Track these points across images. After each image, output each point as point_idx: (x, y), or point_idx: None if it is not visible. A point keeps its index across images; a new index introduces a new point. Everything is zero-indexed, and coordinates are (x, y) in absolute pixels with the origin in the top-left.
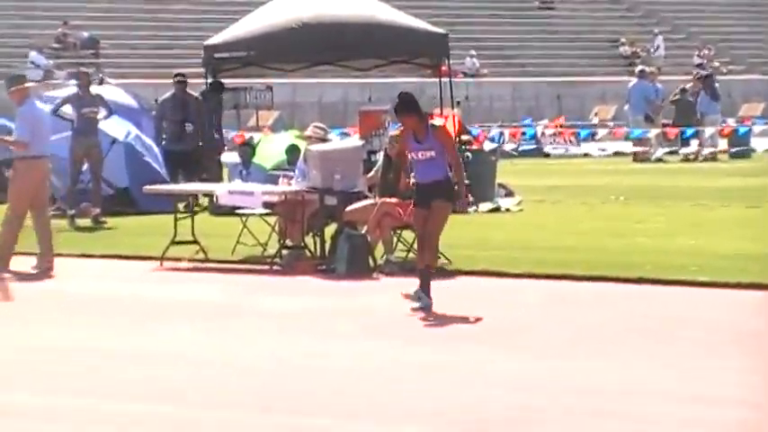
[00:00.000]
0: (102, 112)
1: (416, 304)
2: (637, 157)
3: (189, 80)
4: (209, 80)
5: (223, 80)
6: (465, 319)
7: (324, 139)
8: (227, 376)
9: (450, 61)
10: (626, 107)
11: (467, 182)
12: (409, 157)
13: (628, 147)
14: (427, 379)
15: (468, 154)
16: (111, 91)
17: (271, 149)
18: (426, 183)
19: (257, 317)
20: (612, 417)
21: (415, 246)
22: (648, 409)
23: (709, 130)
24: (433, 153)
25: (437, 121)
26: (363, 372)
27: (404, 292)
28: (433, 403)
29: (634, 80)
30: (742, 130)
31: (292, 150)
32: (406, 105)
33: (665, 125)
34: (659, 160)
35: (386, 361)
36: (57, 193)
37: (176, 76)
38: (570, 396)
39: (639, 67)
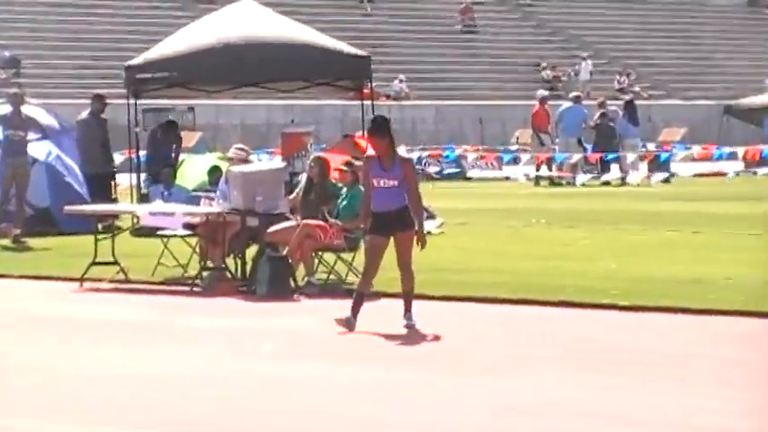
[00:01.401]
0: (33, 135)
1: (340, 315)
2: (554, 181)
3: (110, 101)
4: (166, 119)
5: (144, 100)
6: (389, 342)
7: (246, 161)
8: (144, 394)
9: (374, 84)
10: (550, 129)
11: None
12: (372, 184)
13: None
14: (347, 398)
15: None
16: (32, 111)
17: (193, 170)
18: (385, 212)
19: (177, 337)
20: None
21: (336, 268)
22: (578, 426)
23: (630, 156)
24: (395, 183)
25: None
26: (283, 391)
27: (336, 317)
28: (356, 425)
29: (567, 104)
30: (664, 155)
31: (214, 171)
32: (380, 128)
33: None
34: (582, 185)
35: (306, 381)
36: None
37: (98, 96)
38: (497, 416)
39: (574, 93)
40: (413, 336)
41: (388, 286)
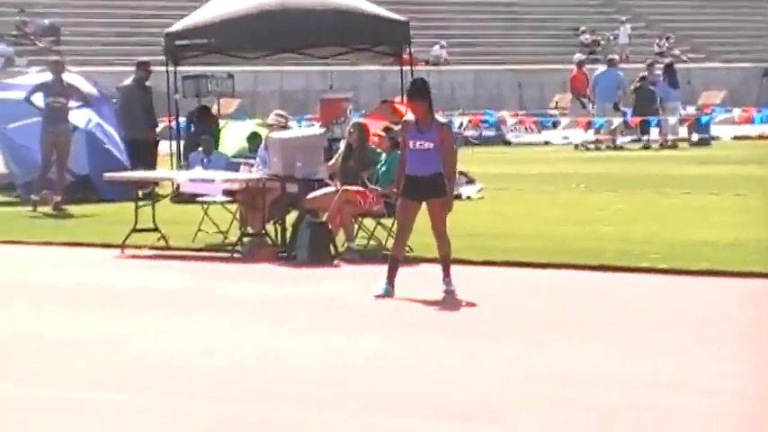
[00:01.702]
0: (74, 102)
1: (379, 291)
2: (597, 145)
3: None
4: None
5: (183, 67)
6: (428, 308)
7: (285, 127)
8: (188, 362)
9: (414, 49)
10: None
11: None
12: (408, 145)
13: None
14: (388, 365)
15: None
16: (71, 78)
17: (232, 137)
18: (419, 176)
19: (218, 304)
20: (572, 404)
21: (376, 233)
22: (609, 395)
23: (671, 119)
24: (431, 145)
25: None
26: (324, 358)
27: (375, 293)
28: (391, 390)
29: (602, 68)
30: (704, 118)
31: (253, 138)
32: (419, 90)
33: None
34: (621, 148)
35: (346, 347)
36: (16, 180)
37: (142, 63)
38: (533, 384)
39: (609, 56)
40: (451, 301)
41: (426, 251)
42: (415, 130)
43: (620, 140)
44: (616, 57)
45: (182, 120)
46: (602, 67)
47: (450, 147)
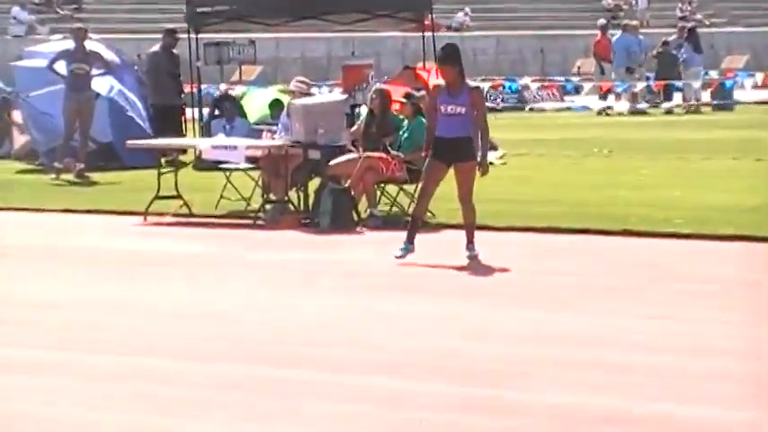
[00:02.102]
0: (97, 70)
1: (399, 252)
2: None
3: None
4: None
5: (205, 34)
6: (451, 274)
7: (307, 94)
8: (210, 328)
9: (435, 15)
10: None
11: None
12: (439, 110)
13: (611, 101)
14: (412, 330)
15: None
16: (93, 46)
17: (254, 104)
18: (449, 138)
19: (242, 270)
20: (600, 366)
21: (399, 200)
22: (635, 358)
23: (694, 83)
24: (462, 110)
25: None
26: (348, 323)
27: (395, 254)
28: (418, 356)
29: (618, 33)
30: (728, 83)
31: (275, 105)
32: (450, 56)
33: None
34: (643, 113)
35: (368, 311)
36: (39, 147)
37: (170, 31)
38: (557, 347)
39: (624, 21)
40: (475, 267)
41: (450, 218)
42: (446, 94)
43: (641, 105)
44: (632, 22)
45: (204, 87)
46: (618, 33)
47: (484, 110)
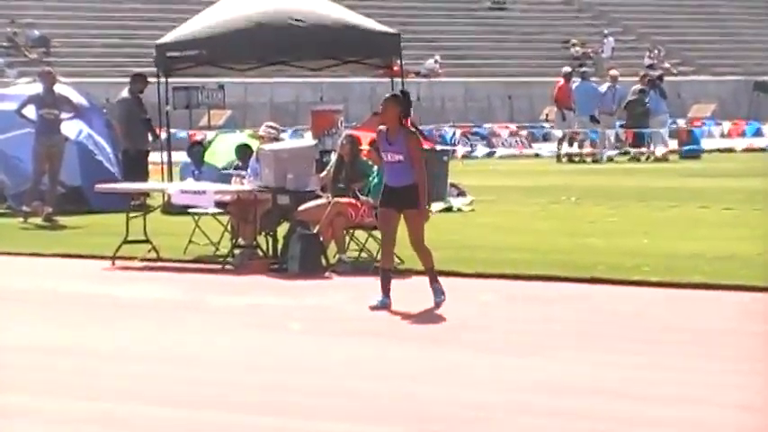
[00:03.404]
0: (66, 114)
1: (375, 302)
2: (576, 159)
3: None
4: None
5: (174, 78)
6: (418, 318)
7: (276, 139)
8: (180, 373)
9: (404, 61)
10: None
11: None
12: (381, 157)
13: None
14: (380, 376)
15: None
16: (62, 89)
17: (223, 149)
18: (395, 187)
19: (210, 315)
20: (563, 414)
21: (368, 245)
22: (601, 406)
23: (661, 131)
24: (400, 157)
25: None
26: (317, 368)
27: (370, 304)
28: (384, 401)
29: (578, 81)
30: (696, 132)
31: (241, 149)
32: (395, 97)
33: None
34: (611, 160)
35: (338, 358)
36: (6, 191)
37: (141, 75)
38: (523, 394)
39: (582, 69)
40: (443, 313)
41: (417, 264)
42: (385, 140)
43: (608, 153)
44: (588, 69)
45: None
46: (578, 80)
47: (417, 156)
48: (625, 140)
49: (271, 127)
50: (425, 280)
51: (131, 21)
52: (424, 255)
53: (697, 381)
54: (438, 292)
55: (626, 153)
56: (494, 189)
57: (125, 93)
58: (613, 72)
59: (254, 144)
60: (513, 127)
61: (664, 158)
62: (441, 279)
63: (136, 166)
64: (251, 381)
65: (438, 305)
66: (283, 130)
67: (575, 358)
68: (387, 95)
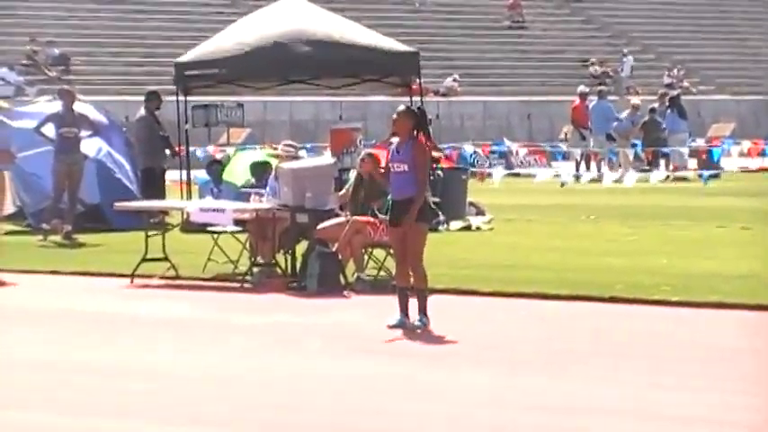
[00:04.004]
0: (85, 132)
1: (392, 321)
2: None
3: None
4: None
5: (193, 97)
6: (437, 338)
7: (295, 157)
8: (200, 391)
9: (423, 80)
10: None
11: (437, 199)
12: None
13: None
14: (398, 395)
15: (440, 172)
16: (82, 108)
17: (241, 167)
18: (399, 200)
19: (228, 333)
20: None
21: (386, 264)
22: (618, 426)
23: (681, 149)
24: (405, 167)
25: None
26: (336, 388)
27: (388, 323)
28: (404, 419)
29: (595, 100)
30: (716, 151)
31: (256, 167)
32: (410, 110)
33: (634, 145)
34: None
35: (358, 377)
36: (26, 209)
37: (156, 94)
38: (542, 414)
39: (599, 88)
40: (461, 332)
41: (436, 281)
42: (395, 151)
43: (629, 175)
44: (604, 88)
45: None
46: (595, 99)
47: (422, 165)
48: (645, 159)
49: (288, 145)
50: (443, 299)
51: (151, 39)
52: (419, 276)
53: (711, 400)
54: (421, 318)
55: (645, 171)
56: (512, 208)
57: (142, 111)
58: (635, 101)
59: (273, 161)
60: (531, 146)
61: (682, 177)
62: (461, 297)
63: (154, 184)
64: (268, 399)
65: (418, 329)
66: (302, 147)
67: (592, 377)
68: (401, 108)
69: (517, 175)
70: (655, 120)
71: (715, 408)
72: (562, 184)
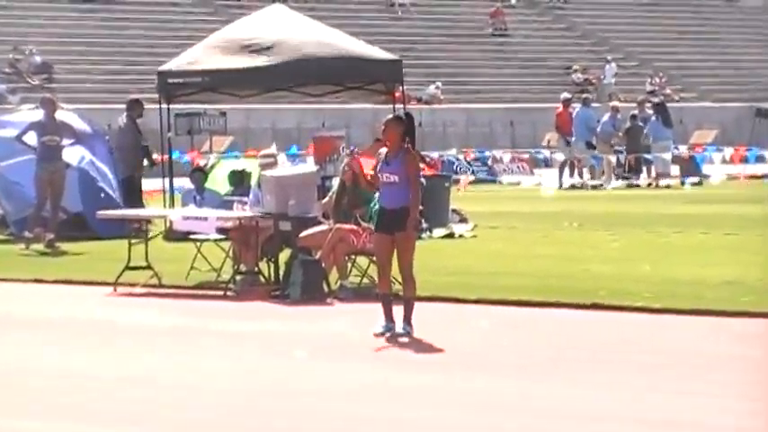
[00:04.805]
0: (67, 140)
1: (378, 329)
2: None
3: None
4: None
5: (176, 105)
6: (422, 345)
7: (274, 164)
8: (181, 399)
9: (406, 87)
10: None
11: (420, 207)
12: (378, 178)
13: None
14: (381, 402)
15: (423, 180)
16: (64, 116)
17: (224, 175)
18: (389, 209)
19: (211, 341)
20: None
21: (370, 272)
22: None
23: (664, 156)
24: (395, 178)
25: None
26: (322, 395)
27: (374, 331)
28: (386, 426)
29: (578, 107)
30: (698, 158)
31: (233, 176)
32: (398, 118)
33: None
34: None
35: (342, 384)
36: (8, 217)
37: (138, 102)
38: (529, 419)
39: (584, 95)
40: (445, 339)
41: (423, 289)
42: (384, 161)
43: (612, 184)
44: (589, 96)
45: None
46: (578, 106)
47: (414, 176)
48: (625, 166)
49: (266, 155)
50: (427, 306)
51: (133, 47)
52: (408, 283)
53: (694, 405)
54: (405, 326)
55: (626, 179)
56: (496, 215)
57: (124, 119)
58: (614, 103)
59: (252, 169)
60: (514, 153)
61: (666, 186)
62: (444, 305)
63: (135, 193)
64: (253, 407)
65: (404, 337)
66: (282, 153)
67: (574, 383)
68: (389, 116)
69: (500, 182)
70: (637, 126)
71: (699, 412)
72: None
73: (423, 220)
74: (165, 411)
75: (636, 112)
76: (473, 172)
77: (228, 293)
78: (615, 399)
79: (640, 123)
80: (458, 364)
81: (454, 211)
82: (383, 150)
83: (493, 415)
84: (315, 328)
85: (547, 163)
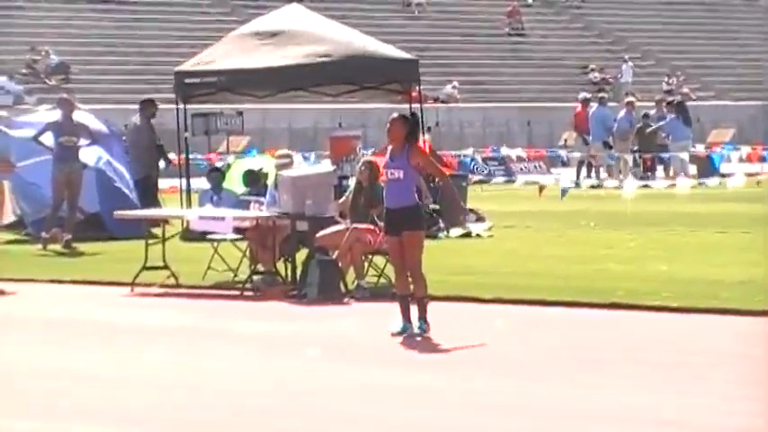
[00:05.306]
0: (84, 141)
1: (396, 328)
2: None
3: (160, 105)
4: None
5: (193, 105)
6: (438, 345)
7: (290, 164)
8: (198, 400)
9: (423, 87)
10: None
11: (436, 206)
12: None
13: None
14: (398, 403)
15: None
16: (81, 116)
17: (239, 174)
18: (394, 209)
19: (228, 341)
20: None
21: (386, 271)
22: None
23: (682, 155)
24: (400, 174)
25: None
26: (337, 395)
27: (391, 331)
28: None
29: (595, 106)
30: (715, 157)
31: (247, 175)
32: (403, 117)
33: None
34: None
35: (358, 384)
36: (26, 218)
37: (152, 102)
38: (548, 420)
39: (600, 94)
40: (461, 339)
41: (437, 289)
42: (389, 158)
43: (629, 181)
44: (605, 95)
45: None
46: (595, 105)
47: (425, 163)
48: (642, 166)
49: (282, 156)
50: (444, 306)
51: (150, 48)
52: (418, 282)
53: (711, 405)
54: (421, 325)
55: (643, 179)
56: (512, 214)
57: (137, 119)
58: (629, 99)
59: (269, 168)
60: (530, 153)
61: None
62: (460, 304)
63: (151, 192)
64: (268, 406)
65: (420, 337)
66: (300, 154)
67: (592, 384)
68: (394, 114)
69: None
70: (648, 125)
71: (715, 412)
72: (563, 192)
73: (439, 220)
74: (179, 411)
75: (653, 111)
76: (489, 172)
77: (245, 293)
78: (631, 399)
79: (651, 123)
80: (474, 364)
81: (471, 210)
82: (390, 147)
83: (504, 416)
84: (331, 327)
85: (564, 162)
